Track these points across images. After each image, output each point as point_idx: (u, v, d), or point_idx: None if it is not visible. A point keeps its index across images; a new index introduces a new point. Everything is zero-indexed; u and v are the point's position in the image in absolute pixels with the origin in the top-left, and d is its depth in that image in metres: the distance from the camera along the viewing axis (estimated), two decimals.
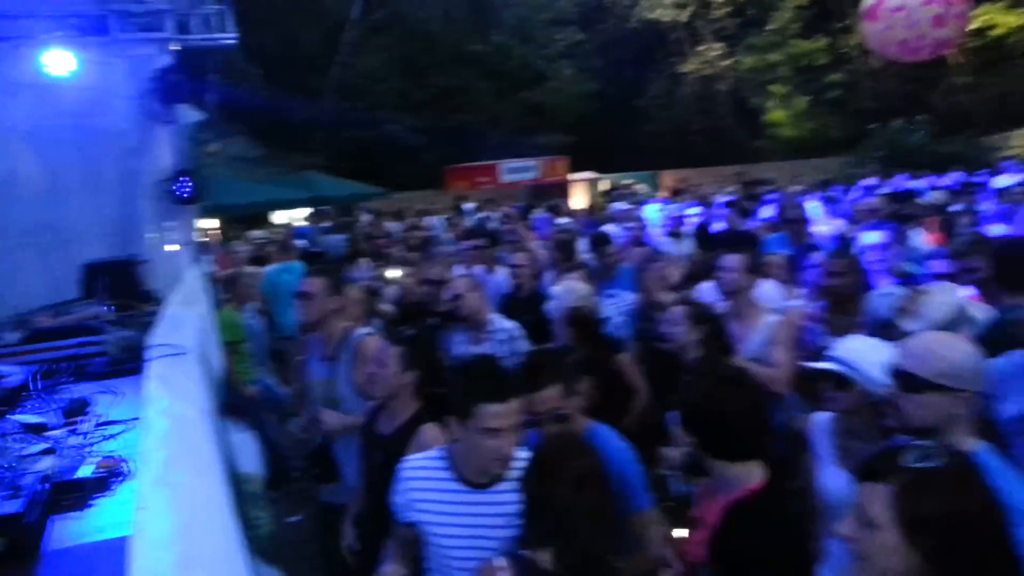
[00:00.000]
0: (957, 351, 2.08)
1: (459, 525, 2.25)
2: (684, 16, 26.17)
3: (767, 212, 8.80)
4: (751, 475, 2.07)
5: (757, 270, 4.14)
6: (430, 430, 2.81)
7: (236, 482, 4.11)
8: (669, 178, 21.63)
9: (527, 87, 25.82)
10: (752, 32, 26.30)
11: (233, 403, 5.49)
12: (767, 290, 4.39)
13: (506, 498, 2.16)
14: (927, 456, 1.45)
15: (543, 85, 26.34)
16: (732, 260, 3.93)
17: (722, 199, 11.02)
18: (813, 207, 8.71)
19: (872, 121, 21.71)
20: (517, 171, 21.18)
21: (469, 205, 13.02)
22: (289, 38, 21.45)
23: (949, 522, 1.39)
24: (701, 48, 27.07)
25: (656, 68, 28.03)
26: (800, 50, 25.38)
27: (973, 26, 21.09)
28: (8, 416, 2.32)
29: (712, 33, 27.07)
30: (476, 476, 2.26)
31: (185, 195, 5.51)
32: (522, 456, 2.18)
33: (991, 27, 21.99)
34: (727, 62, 26.77)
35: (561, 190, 20.19)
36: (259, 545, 3.97)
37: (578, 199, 19.99)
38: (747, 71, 26.48)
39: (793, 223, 6.36)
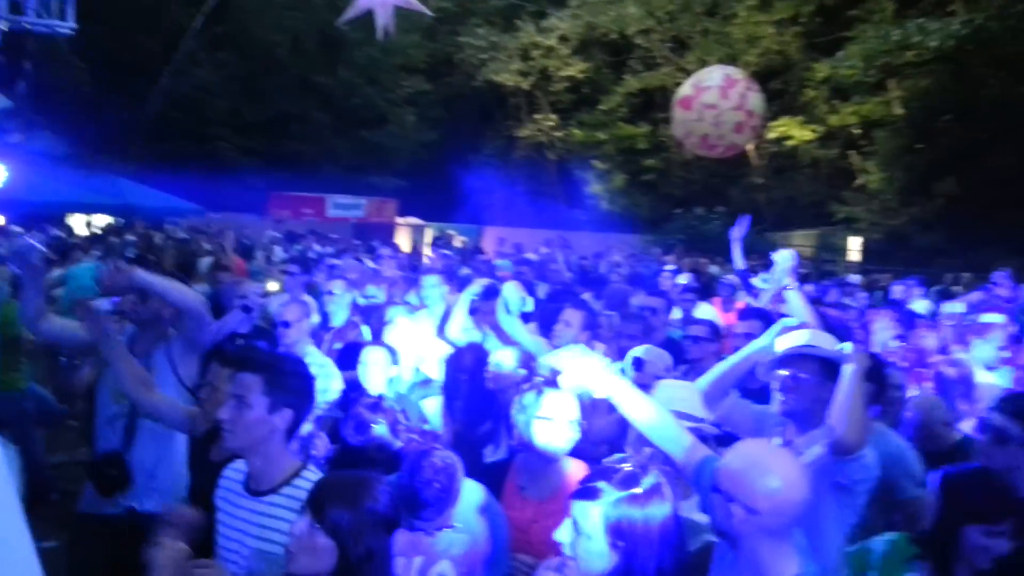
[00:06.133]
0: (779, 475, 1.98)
1: (234, 528, 2.41)
2: (526, 84, 27.62)
3: None
4: None
5: (593, 328, 4.47)
6: None
7: None
8: (492, 233, 22.57)
9: (367, 126, 26.07)
10: (585, 109, 28.22)
11: None
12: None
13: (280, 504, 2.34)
14: (631, 480, 1.83)
15: (383, 127, 26.69)
16: (573, 315, 4.30)
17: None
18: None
19: (678, 206, 23.95)
20: (344, 207, 21.28)
21: (274, 234, 12.94)
22: (125, 37, 20.35)
23: (643, 529, 1.79)
24: (538, 116, 28.67)
25: (494, 128, 29.31)
26: (624, 132, 27.52)
27: (772, 135, 23.99)
28: None
29: (549, 104, 28.77)
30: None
31: None
32: (311, 471, 2.41)
33: (787, 138, 24.95)
34: (559, 133, 28.51)
35: (386, 232, 20.51)
36: None
37: (403, 242, 20.38)
38: (576, 144, 28.32)
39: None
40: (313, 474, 2.41)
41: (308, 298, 5.84)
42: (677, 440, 2.37)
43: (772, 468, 1.97)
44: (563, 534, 1.85)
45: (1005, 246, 16.57)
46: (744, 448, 2.13)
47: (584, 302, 5.38)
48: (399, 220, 22.35)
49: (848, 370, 2.65)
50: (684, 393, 3.07)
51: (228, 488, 2.48)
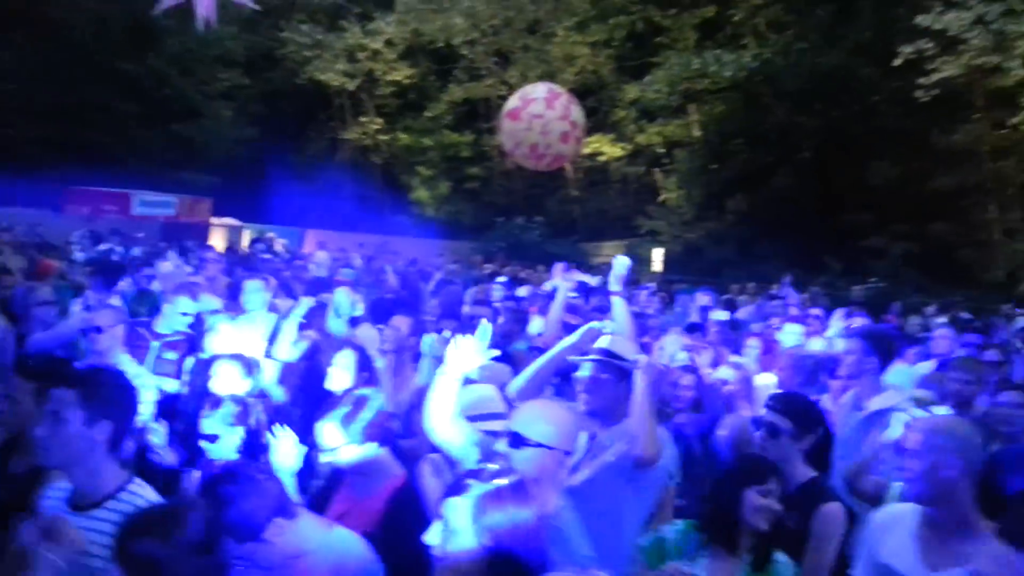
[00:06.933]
0: (557, 416, 2.63)
1: None
2: (352, 85, 27.26)
3: None
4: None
5: (420, 334, 4.58)
6: None
7: None
8: (313, 237, 22.10)
9: (178, 119, 24.57)
10: (410, 115, 28.33)
11: None
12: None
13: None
14: (495, 477, 2.02)
15: (197, 121, 25.29)
16: (402, 321, 4.45)
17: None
18: None
19: (500, 215, 24.70)
20: (152, 205, 19.96)
21: (82, 232, 11.93)
22: None
23: (509, 521, 1.92)
24: (363, 119, 28.39)
25: (317, 128, 28.68)
26: (449, 140, 27.96)
27: (587, 151, 25.36)
28: None
29: (375, 107, 28.60)
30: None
31: None
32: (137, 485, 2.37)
33: (599, 154, 26.45)
34: (385, 137, 28.40)
35: (200, 232, 19.48)
36: None
37: (217, 244, 19.45)
38: (401, 149, 28.37)
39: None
40: (139, 487, 2.37)
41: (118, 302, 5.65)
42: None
43: (551, 411, 2.65)
44: (433, 536, 1.98)
45: (785, 259, 18.62)
46: (526, 405, 2.77)
47: (413, 308, 5.58)
48: (214, 220, 21.28)
49: (639, 383, 3.04)
50: (486, 393, 3.26)
51: (51, 506, 2.40)
